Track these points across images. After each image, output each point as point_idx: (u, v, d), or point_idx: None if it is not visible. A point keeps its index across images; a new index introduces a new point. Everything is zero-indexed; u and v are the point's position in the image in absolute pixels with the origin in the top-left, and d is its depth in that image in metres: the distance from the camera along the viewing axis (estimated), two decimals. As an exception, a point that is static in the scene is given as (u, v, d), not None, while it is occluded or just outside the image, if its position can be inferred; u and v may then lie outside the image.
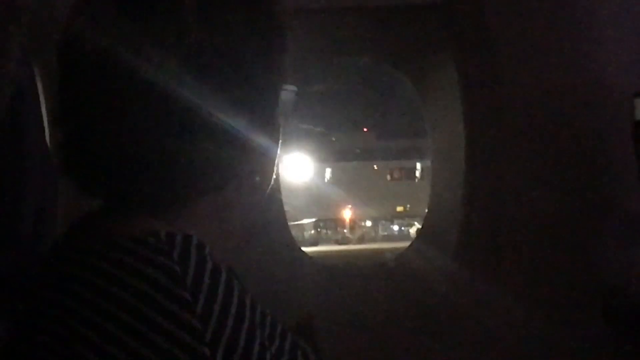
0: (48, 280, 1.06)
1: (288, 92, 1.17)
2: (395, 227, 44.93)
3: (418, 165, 46.54)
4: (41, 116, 1.42)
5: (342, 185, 43.19)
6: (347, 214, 43.82)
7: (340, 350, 3.67)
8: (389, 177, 47.98)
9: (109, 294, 0.96)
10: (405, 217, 45.63)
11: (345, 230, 43.66)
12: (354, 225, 44.56)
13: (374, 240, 42.71)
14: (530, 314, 4.00)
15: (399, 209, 46.47)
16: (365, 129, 46.42)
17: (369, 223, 45.64)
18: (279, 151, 1.19)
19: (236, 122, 1.07)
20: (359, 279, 9.64)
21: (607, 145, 3.90)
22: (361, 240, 41.47)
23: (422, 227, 7.20)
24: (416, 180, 46.53)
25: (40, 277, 1.08)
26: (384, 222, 46.31)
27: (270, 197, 1.20)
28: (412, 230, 42.86)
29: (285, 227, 7.51)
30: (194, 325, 0.93)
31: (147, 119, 1.01)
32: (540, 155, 4.14)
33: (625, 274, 3.68)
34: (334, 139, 44.75)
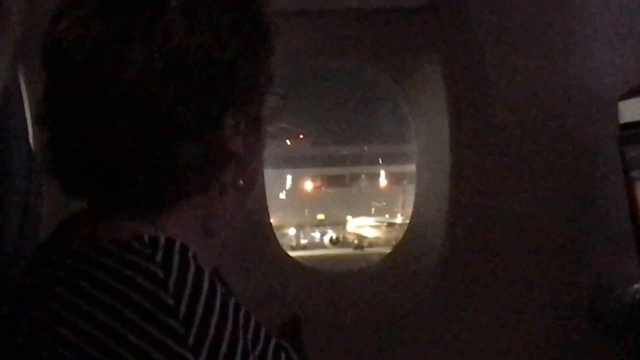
0: (31, 281, 1.05)
1: (275, 96, 1.16)
2: (317, 235, 45.70)
3: (382, 173, 47.12)
4: (25, 118, 1.41)
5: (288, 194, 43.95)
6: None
7: (325, 352, 3.66)
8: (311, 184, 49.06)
9: (91, 296, 0.96)
10: (327, 225, 46.62)
11: (269, 239, 44.07)
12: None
13: (293, 248, 43.95)
14: (517, 316, 4.01)
15: (320, 217, 47.42)
16: (301, 136, 46.98)
17: (293, 230, 46.42)
18: (263, 155, 1.18)
19: (220, 125, 1.06)
20: (343, 282, 9.65)
21: (593, 149, 3.91)
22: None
23: (406, 231, 7.22)
24: (381, 186, 47.27)
25: (24, 279, 1.07)
26: (306, 229, 47.14)
27: (255, 200, 1.20)
28: (326, 239, 43.55)
29: (270, 231, 7.45)
30: (176, 329, 0.93)
31: (131, 120, 1.00)
32: (526, 158, 4.15)
33: (612, 278, 3.69)
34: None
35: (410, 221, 7.27)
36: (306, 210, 44.98)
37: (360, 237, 42.19)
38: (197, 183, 1.06)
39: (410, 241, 6.54)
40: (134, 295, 0.94)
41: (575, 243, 3.93)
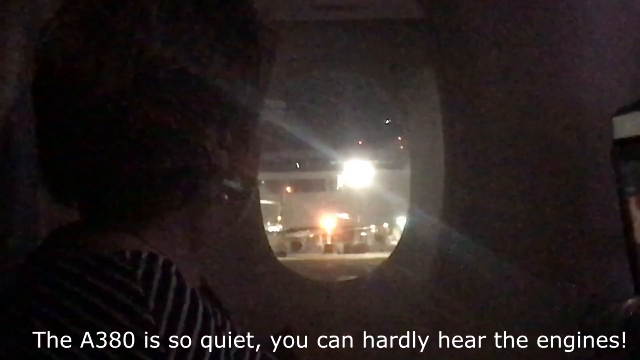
0: (16, 295, 1.04)
1: (275, 109, 1.15)
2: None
3: (338, 177, 46.92)
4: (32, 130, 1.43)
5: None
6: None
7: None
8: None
9: (71, 313, 0.95)
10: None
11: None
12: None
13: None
14: (508, 329, 4.02)
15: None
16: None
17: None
18: (257, 170, 1.16)
19: (201, 139, 1.05)
20: (335, 291, 9.65)
21: (586, 163, 3.92)
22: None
23: (400, 239, 7.20)
24: (337, 189, 46.96)
25: (8, 292, 1.07)
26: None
27: (249, 212, 1.17)
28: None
29: (263, 238, 7.44)
30: (157, 348, 0.93)
31: (105, 133, 1.00)
32: (518, 171, 4.16)
33: (604, 292, 3.69)
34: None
35: (404, 229, 7.28)
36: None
37: (243, 246, 41.80)
38: (176, 197, 1.04)
39: (403, 251, 6.55)
40: (112, 313, 0.94)
41: (567, 255, 3.94)
